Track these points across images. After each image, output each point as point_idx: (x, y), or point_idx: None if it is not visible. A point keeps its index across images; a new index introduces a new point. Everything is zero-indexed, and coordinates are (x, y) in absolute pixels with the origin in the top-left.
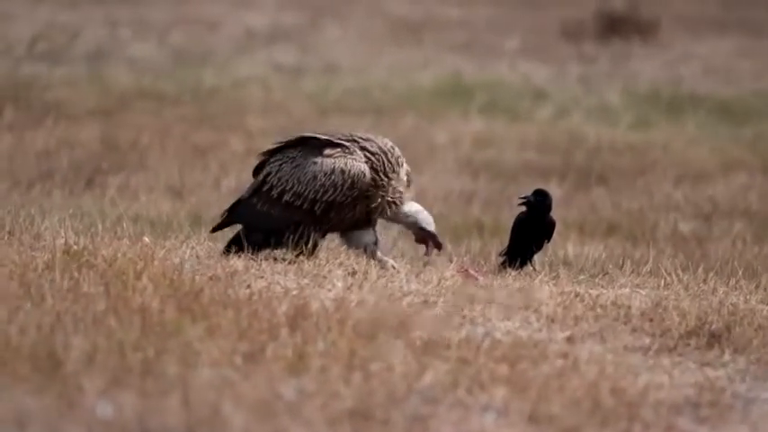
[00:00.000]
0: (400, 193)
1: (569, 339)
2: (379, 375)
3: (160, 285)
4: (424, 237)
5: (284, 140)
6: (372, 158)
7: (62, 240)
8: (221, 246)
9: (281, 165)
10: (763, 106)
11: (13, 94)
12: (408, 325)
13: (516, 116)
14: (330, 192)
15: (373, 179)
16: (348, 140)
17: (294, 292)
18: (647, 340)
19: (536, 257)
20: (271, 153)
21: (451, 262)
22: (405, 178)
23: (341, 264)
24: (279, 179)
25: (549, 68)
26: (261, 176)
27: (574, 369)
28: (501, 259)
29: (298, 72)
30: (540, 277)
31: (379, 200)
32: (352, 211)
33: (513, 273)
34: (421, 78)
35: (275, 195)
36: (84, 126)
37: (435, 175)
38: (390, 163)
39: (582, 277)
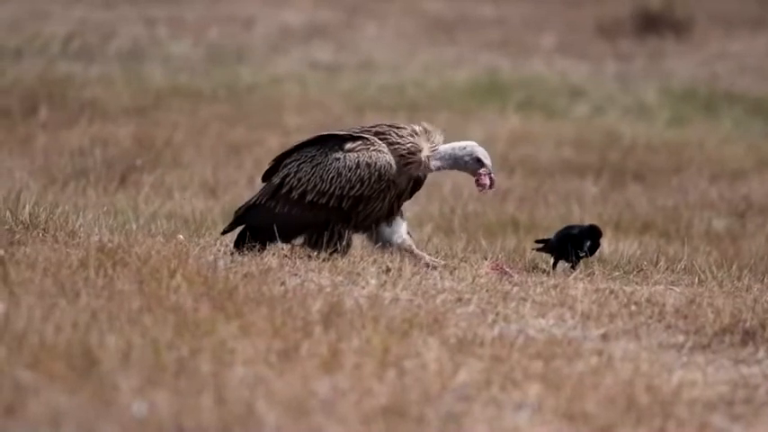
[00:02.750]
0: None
1: (604, 337)
2: (413, 373)
3: (194, 283)
4: (476, 170)
5: (294, 145)
6: (394, 144)
7: (96, 238)
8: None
9: (298, 165)
10: None
11: (48, 92)
12: (442, 322)
13: (552, 114)
14: (357, 186)
15: (398, 164)
16: (365, 131)
17: (328, 290)
18: (682, 338)
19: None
20: (281, 157)
21: (486, 259)
22: (439, 138)
23: (375, 261)
24: (299, 180)
25: (585, 66)
26: (277, 179)
27: (608, 366)
28: (538, 245)
29: (334, 69)
30: (574, 274)
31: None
32: (382, 202)
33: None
34: (456, 76)
35: (296, 196)
36: (118, 124)
37: None
38: (414, 142)
39: (616, 274)
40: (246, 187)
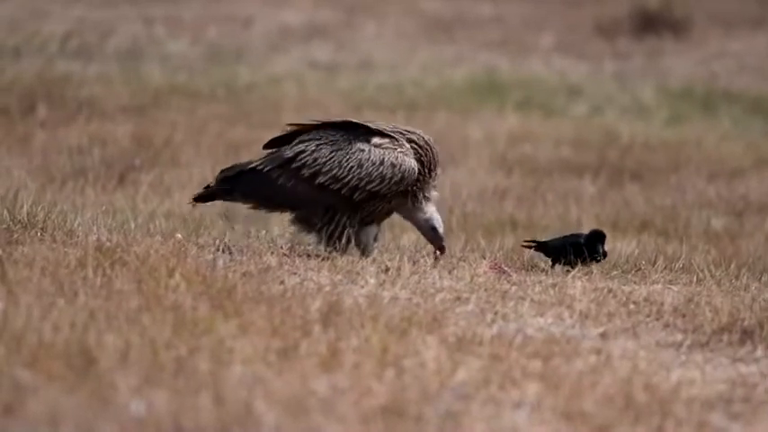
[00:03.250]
0: (433, 188)
1: (602, 336)
2: (412, 372)
3: (193, 282)
4: (433, 238)
5: (320, 120)
6: (420, 152)
7: (95, 237)
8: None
9: (318, 145)
10: None
11: (47, 91)
12: (441, 321)
13: (551, 113)
14: (376, 182)
15: (419, 174)
16: (396, 132)
17: (327, 289)
18: (680, 336)
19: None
20: (296, 132)
21: (484, 258)
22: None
23: (374, 260)
24: (315, 159)
25: (583, 65)
26: (290, 152)
27: (606, 365)
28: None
29: (333, 69)
30: (573, 273)
31: (418, 194)
32: (388, 204)
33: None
34: (454, 75)
35: (306, 174)
36: (117, 123)
37: (469, 171)
38: (435, 159)
39: (615, 273)
40: None
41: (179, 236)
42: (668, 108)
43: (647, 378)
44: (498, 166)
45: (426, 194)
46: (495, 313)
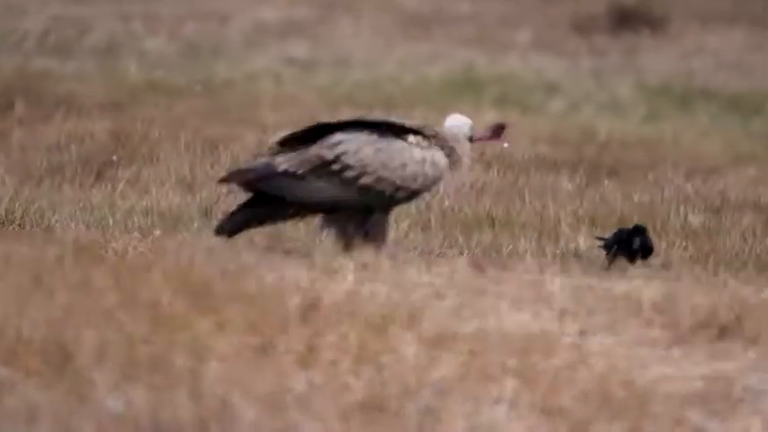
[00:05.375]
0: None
1: (580, 332)
2: (390, 368)
3: (171, 279)
4: (489, 135)
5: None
6: (444, 148)
7: (73, 234)
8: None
9: (358, 146)
10: None
11: (24, 87)
12: (419, 318)
13: (528, 109)
14: (420, 180)
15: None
16: (423, 128)
17: (305, 285)
18: (658, 333)
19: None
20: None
21: (463, 255)
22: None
23: (352, 256)
24: (359, 160)
25: (560, 62)
26: (329, 154)
27: (584, 362)
28: (600, 243)
29: (309, 66)
30: (551, 269)
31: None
32: (410, 200)
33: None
34: (431, 72)
35: (350, 176)
36: (94, 120)
37: None
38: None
39: (593, 270)
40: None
41: (157, 232)
42: (646, 105)
43: (625, 374)
44: (476, 162)
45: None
46: (474, 309)
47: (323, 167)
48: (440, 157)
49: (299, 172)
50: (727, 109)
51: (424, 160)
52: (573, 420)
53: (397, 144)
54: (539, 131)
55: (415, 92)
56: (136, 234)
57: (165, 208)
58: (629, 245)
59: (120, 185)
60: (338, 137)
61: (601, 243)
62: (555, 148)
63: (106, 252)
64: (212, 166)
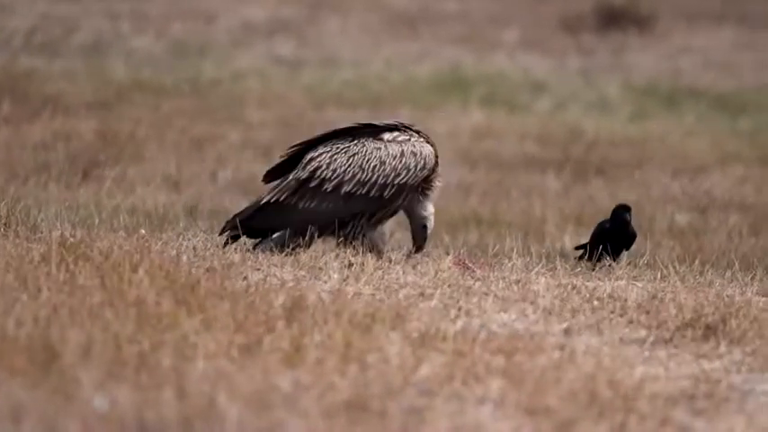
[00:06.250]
0: (438, 176)
1: (566, 332)
2: (376, 367)
3: (156, 278)
4: (418, 234)
5: (304, 141)
6: (429, 139)
7: (58, 233)
8: (216, 237)
9: (330, 157)
10: (761, 99)
11: (11, 86)
12: (405, 317)
13: (515, 108)
14: (403, 174)
15: (435, 160)
16: (401, 124)
17: (290, 284)
18: (644, 332)
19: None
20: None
21: (448, 254)
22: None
23: (337, 256)
24: (333, 171)
25: (548, 61)
26: (303, 174)
27: (570, 361)
28: (578, 253)
29: (296, 64)
30: (536, 269)
31: (434, 183)
32: (407, 197)
33: (591, 269)
34: (419, 71)
35: (329, 188)
36: (81, 118)
37: None
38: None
39: (579, 269)
40: (209, 182)
41: (143, 231)
42: (632, 104)
43: (611, 374)
44: (463, 161)
45: (434, 184)
46: (459, 309)
47: (301, 187)
48: (421, 145)
49: (282, 198)
50: (714, 108)
51: (402, 154)
52: (559, 420)
53: (370, 145)
54: (526, 130)
55: (402, 91)
56: (122, 233)
57: (152, 207)
58: (612, 241)
59: (107, 184)
60: (309, 155)
61: (581, 252)
62: (542, 147)
63: (92, 251)
64: (199, 165)
